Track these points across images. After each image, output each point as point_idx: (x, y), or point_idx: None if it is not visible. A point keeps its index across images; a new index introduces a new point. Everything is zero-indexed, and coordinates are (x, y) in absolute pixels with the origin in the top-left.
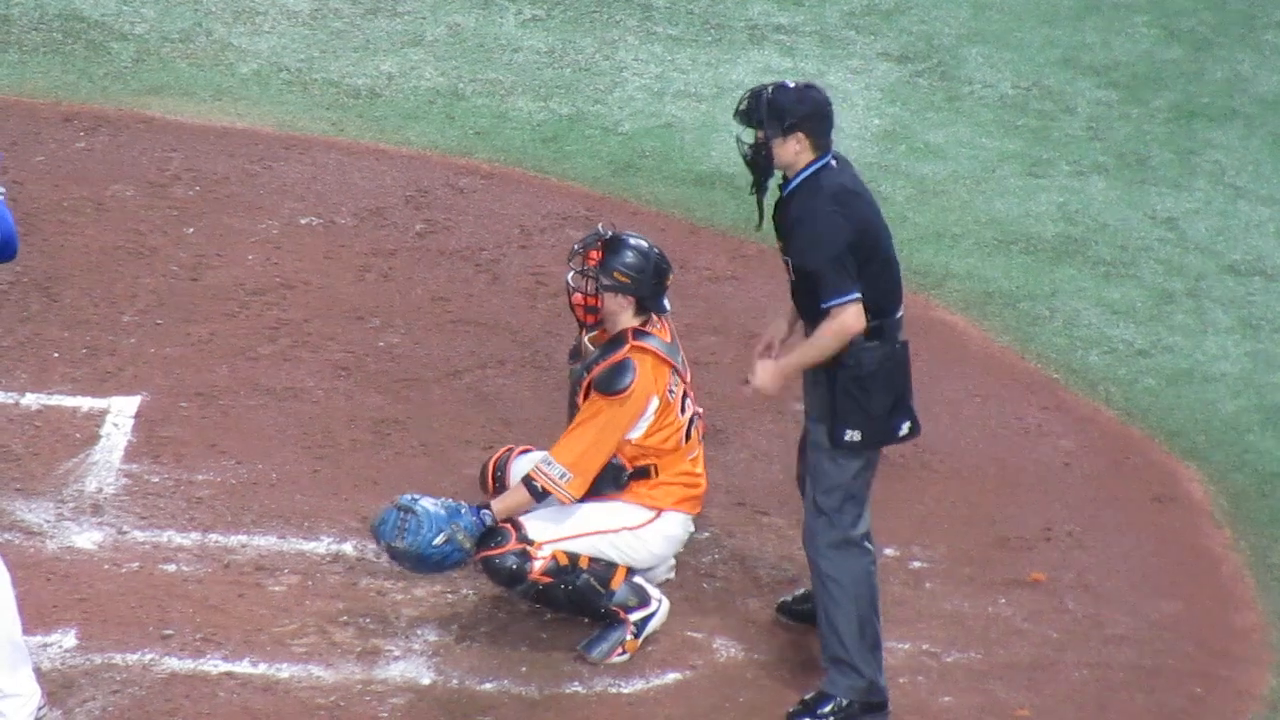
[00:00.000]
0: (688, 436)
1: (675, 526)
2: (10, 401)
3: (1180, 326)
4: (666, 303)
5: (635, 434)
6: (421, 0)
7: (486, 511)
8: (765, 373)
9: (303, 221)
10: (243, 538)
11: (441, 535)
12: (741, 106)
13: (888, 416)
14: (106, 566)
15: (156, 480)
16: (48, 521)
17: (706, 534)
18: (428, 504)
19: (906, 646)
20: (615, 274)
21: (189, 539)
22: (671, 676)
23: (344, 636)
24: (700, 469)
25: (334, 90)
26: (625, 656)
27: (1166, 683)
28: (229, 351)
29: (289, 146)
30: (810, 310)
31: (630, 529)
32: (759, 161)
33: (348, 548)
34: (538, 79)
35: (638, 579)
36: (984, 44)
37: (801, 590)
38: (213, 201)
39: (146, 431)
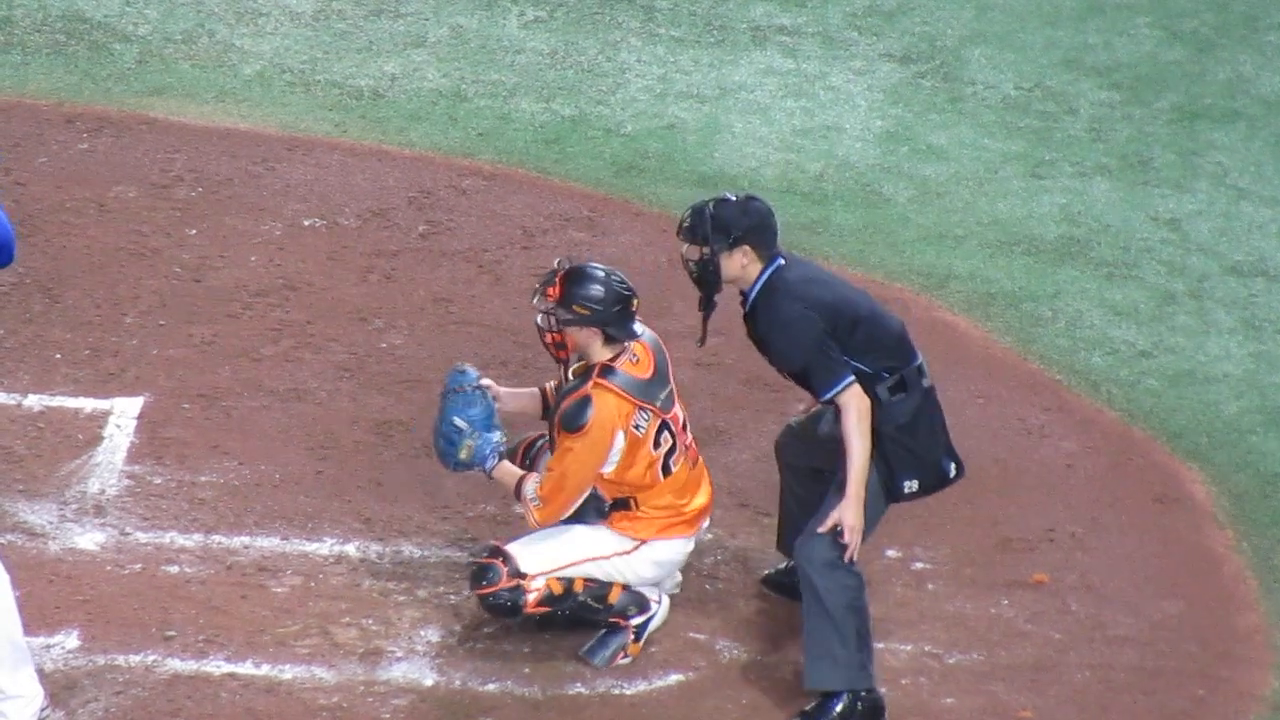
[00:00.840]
0: (666, 470)
1: (664, 552)
2: (13, 403)
3: (1182, 328)
4: (638, 328)
5: (607, 469)
6: (424, 1)
7: (494, 460)
8: (845, 515)
9: (305, 223)
10: (245, 539)
11: (465, 424)
12: (685, 224)
13: (938, 460)
14: (109, 568)
15: (159, 481)
16: (50, 523)
17: (710, 535)
18: (493, 417)
19: (909, 648)
20: (575, 307)
21: (191, 540)
22: (674, 677)
23: (346, 637)
24: (687, 497)
25: (337, 91)
26: (628, 660)
27: (1169, 684)
28: (232, 353)
29: (292, 148)
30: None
31: (620, 554)
32: (707, 277)
33: (350, 549)
34: (540, 80)
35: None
36: (986, 45)
37: (786, 564)
38: (215, 203)
39: (149, 433)
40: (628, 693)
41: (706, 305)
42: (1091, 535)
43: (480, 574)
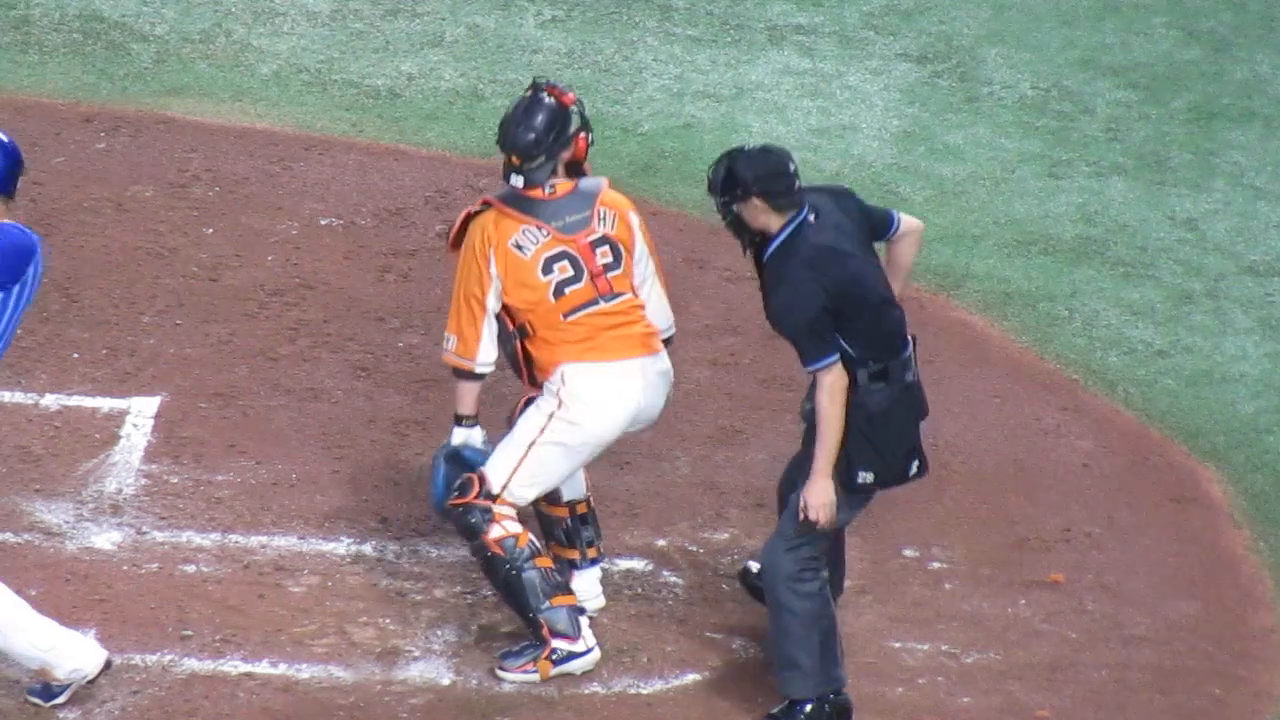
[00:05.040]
0: (559, 293)
1: (590, 386)
2: (30, 402)
3: (1199, 327)
4: (587, 180)
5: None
6: (441, 1)
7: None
8: (811, 496)
9: (322, 222)
10: (262, 538)
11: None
12: (709, 176)
13: (900, 458)
14: (126, 567)
15: (176, 481)
16: (67, 522)
17: (726, 535)
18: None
19: (926, 647)
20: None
21: (208, 539)
22: (690, 677)
23: (363, 637)
24: (605, 322)
25: (354, 91)
26: (534, 675)
27: (1185, 683)
28: (248, 352)
29: (308, 147)
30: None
31: (554, 415)
32: (733, 226)
33: (367, 548)
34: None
35: (582, 618)
36: (1003, 44)
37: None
38: (232, 202)
39: (166, 432)
40: (644, 692)
41: (744, 250)
42: (1108, 535)
43: (459, 486)
